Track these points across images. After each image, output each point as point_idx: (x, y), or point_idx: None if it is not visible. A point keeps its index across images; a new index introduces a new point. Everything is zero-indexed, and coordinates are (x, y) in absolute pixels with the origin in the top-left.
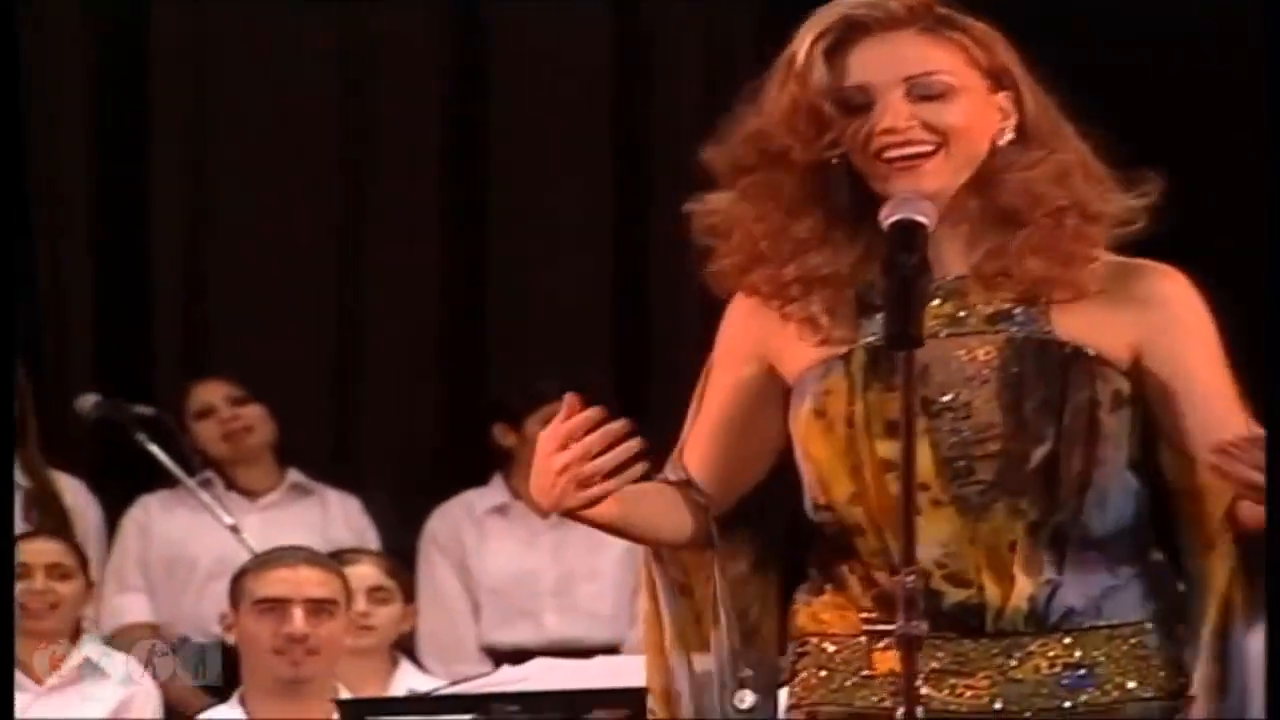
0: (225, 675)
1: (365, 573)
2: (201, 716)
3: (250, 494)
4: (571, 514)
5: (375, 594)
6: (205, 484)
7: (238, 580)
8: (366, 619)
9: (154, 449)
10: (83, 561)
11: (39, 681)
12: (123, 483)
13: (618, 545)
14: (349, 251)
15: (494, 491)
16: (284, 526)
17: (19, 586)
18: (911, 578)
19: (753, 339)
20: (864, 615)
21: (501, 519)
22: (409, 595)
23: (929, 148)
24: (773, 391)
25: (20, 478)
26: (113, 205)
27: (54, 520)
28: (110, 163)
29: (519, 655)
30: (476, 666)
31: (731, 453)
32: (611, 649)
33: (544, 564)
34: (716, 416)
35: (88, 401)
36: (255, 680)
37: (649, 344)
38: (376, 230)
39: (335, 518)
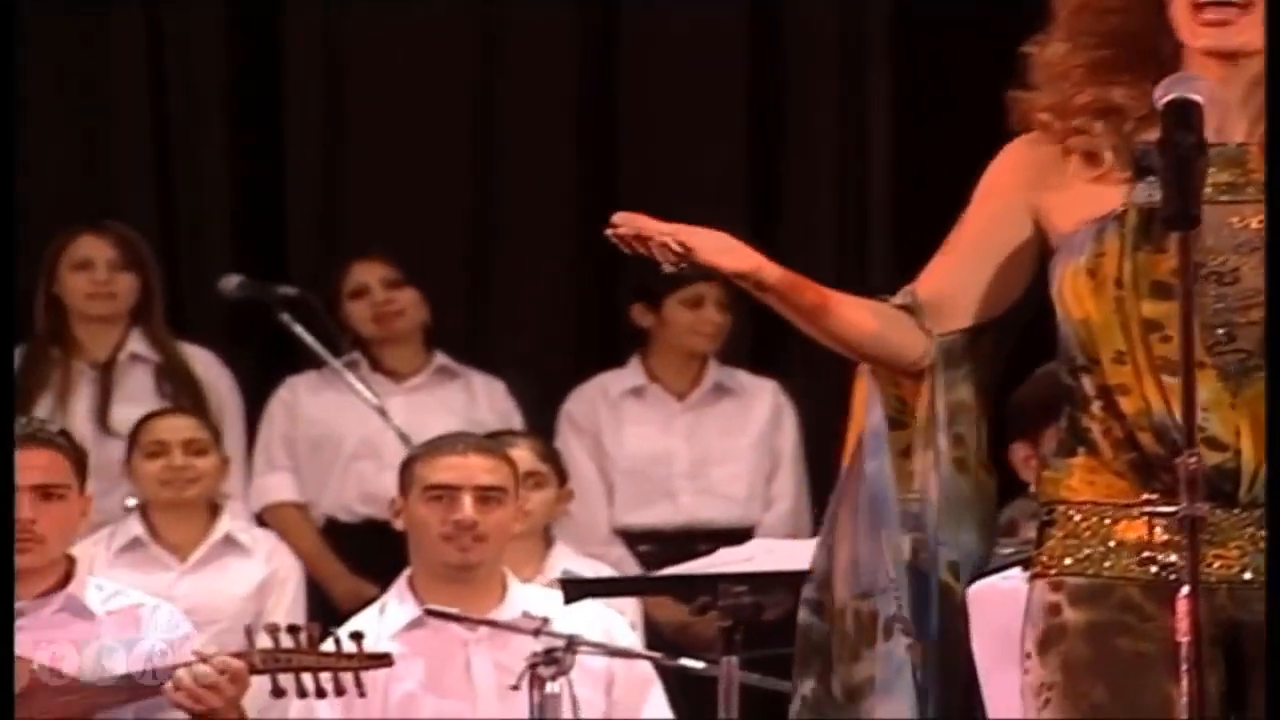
0: (389, 561)
1: (520, 457)
2: (375, 606)
3: (396, 376)
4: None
5: (530, 479)
6: (351, 365)
7: (406, 467)
8: (521, 504)
9: (298, 330)
10: (217, 437)
11: (181, 559)
12: (265, 364)
13: (754, 429)
14: (483, 131)
15: (630, 373)
16: (429, 409)
17: (157, 464)
18: (1195, 459)
19: (1023, 181)
20: (1145, 496)
21: (637, 401)
22: (562, 479)
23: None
24: (1028, 240)
25: (150, 352)
26: (249, 85)
27: (187, 391)
28: (246, 43)
29: (652, 537)
30: (608, 548)
31: (967, 282)
32: (745, 532)
33: (679, 446)
34: (963, 247)
35: (231, 282)
36: (423, 566)
37: (782, 226)
38: (510, 108)
39: (480, 400)
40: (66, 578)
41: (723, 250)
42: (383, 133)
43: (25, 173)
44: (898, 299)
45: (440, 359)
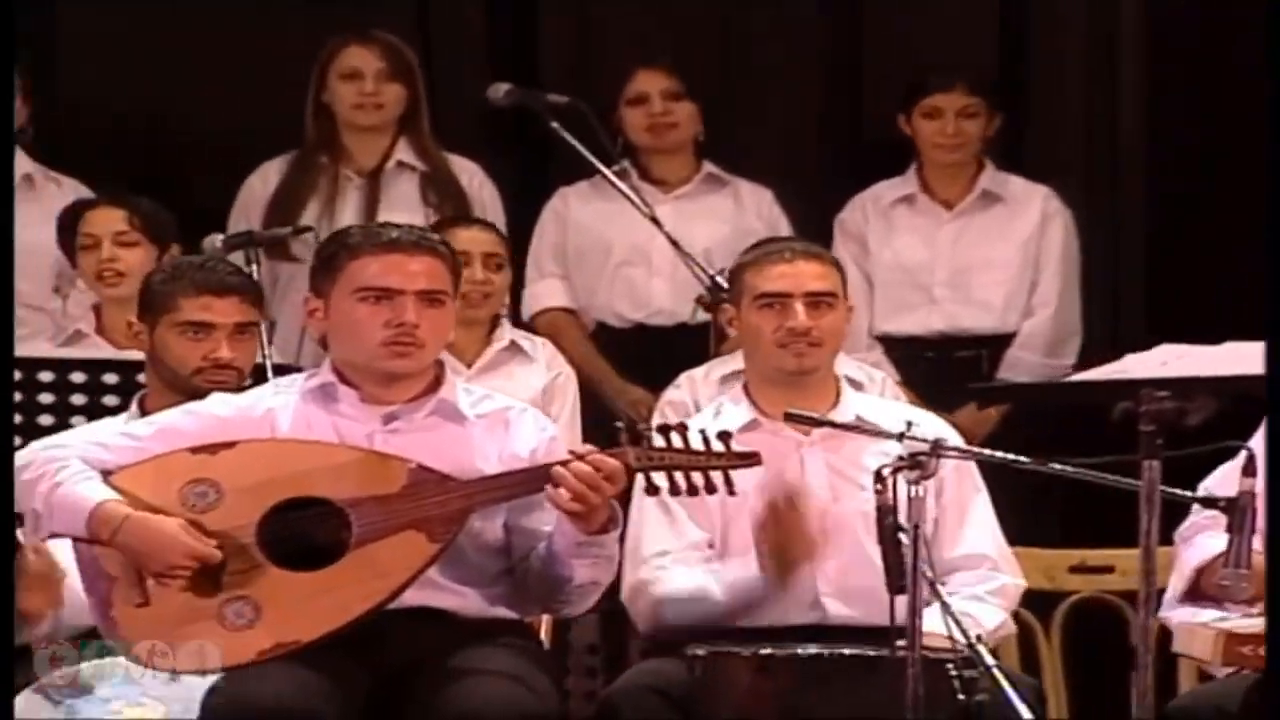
0: (656, 364)
1: None
2: (709, 410)
3: (664, 185)
4: None
5: None
6: (620, 174)
7: (737, 274)
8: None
9: (569, 138)
10: (510, 251)
11: (468, 365)
12: (524, 174)
13: (1017, 237)
14: None
15: (904, 181)
16: (697, 216)
17: None
18: None
19: None
20: None
21: (908, 209)
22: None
23: None
24: None
25: (416, 161)
26: None
27: (452, 200)
28: None
29: (909, 343)
30: (868, 353)
31: None
32: (1004, 339)
33: (942, 254)
34: None
35: (500, 90)
36: (758, 372)
37: (1029, 29)
38: None
39: (748, 208)
40: (437, 382)
41: None
42: None
43: None
44: None
45: (709, 167)
